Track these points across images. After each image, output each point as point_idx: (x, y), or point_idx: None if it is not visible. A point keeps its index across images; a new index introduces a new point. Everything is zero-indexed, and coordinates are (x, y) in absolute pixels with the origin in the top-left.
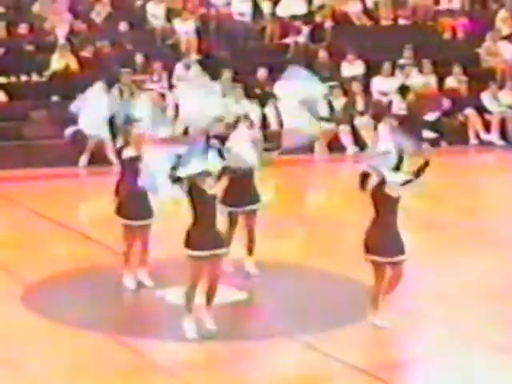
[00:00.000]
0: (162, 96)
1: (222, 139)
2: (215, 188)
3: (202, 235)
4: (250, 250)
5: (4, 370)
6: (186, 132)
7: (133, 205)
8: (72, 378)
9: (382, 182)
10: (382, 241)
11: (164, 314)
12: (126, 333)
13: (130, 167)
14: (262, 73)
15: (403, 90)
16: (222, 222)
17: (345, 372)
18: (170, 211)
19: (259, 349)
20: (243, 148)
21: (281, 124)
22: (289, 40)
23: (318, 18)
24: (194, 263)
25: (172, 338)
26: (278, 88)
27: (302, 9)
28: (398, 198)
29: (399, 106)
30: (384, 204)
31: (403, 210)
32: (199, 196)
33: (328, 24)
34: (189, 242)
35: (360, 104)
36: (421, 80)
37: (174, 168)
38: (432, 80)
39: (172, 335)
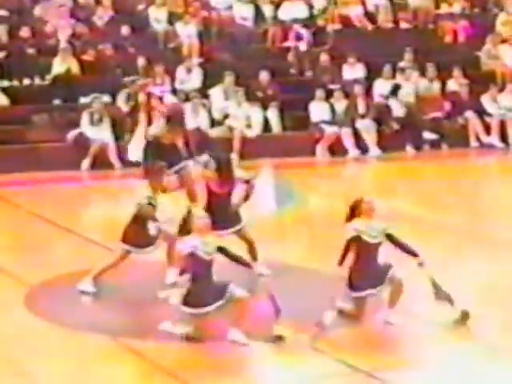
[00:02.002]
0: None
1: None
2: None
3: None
4: (254, 257)
5: (6, 372)
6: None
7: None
8: (74, 380)
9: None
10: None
11: (167, 316)
12: (128, 335)
13: None
14: (263, 76)
15: (395, 90)
16: None
17: (344, 373)
18: None
19: (260, 350)
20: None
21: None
22: (290, 43)
23: (319, 22)
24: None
25: (174, 340)
26: None
27: (303, 12)
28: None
29: (397, 109)
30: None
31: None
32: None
33: (330, 27)
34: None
35: (361, 107)
36: (425, 83)
37: None
38: (435, 84)
39: (175, 337)
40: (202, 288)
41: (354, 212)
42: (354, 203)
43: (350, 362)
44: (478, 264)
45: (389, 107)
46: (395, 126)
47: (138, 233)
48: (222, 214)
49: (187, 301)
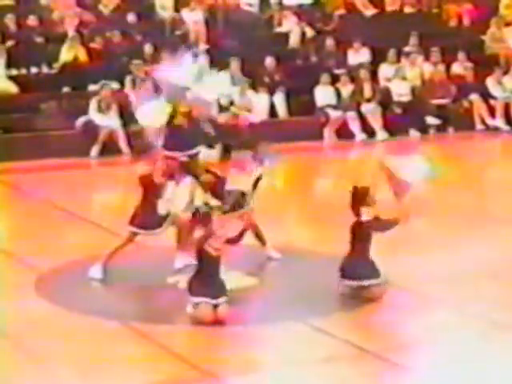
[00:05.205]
0: None
1: None
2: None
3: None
4: (262, 242)
5: (18, 357)
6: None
7: (146, 216)
8: (86, 365)
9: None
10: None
11: (177, 301)
12: (138, 319)
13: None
14: (270, 61)
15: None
16: None
17: (353, 354)
18: None
19: (270, 333)
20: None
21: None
22: (296, 28)
23: (327, 9)
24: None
25: (185, 324)
26: None
27: None
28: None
29: (399, 93)
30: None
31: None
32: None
33: (335, 12)
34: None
35: (367, 91)
36: (429, 67)
37: None
38: (440, 67)
39: (185, 321)
40: (206, 279)
41: (359, 199)
42: (360, 190)
43: (360, 344)
44: (481, 243)
45: (389, 91)
46: (397, 110)
47: (146, 215)
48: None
49: (192, 290)
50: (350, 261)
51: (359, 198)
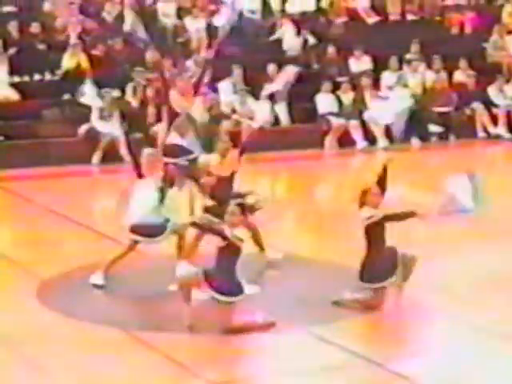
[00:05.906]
0: None
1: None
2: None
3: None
4: (261, 247)
5: (19, 365)
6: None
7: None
8: (87, 372)
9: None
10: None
11: (177, 308)
12: (140, 327)
13: None
14: (272, 69)
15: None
16: None
17: (355, 363)
18: None
19: (271, 341)
20: None
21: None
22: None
23: (330, 16)
24: None
25: (185, 332)
26: None
27: (311, 5)
28: None
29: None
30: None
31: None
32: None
33: (337, 20)
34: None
35: (368, 99)
36: (431, 75)
37: None
38: (442, 75)
39: (185, 329)
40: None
41: (363, 199)
42: (363, 190)
43: (361, 352)
44: (482, 252)
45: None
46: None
47: (147, 222)
48: (224, 199)
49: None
50: (365, 263)
51: (361, 198)
